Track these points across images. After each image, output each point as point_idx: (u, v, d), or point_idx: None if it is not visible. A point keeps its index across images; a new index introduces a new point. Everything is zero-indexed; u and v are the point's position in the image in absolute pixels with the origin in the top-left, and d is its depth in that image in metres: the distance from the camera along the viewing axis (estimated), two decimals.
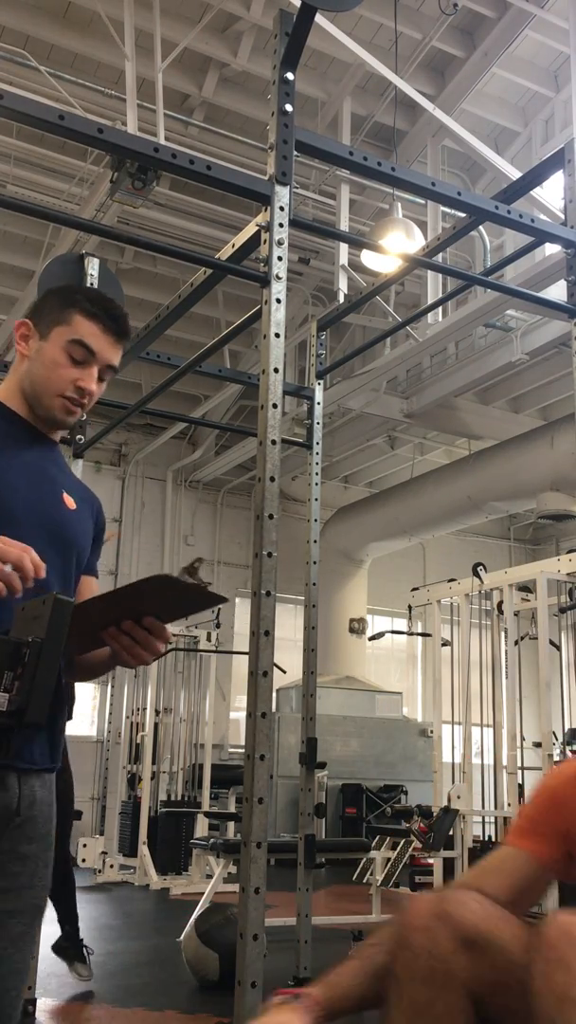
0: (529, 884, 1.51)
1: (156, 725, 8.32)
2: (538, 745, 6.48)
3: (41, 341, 1.56)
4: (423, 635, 9.43)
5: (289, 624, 10.19)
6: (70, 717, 1.60)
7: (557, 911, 1.32)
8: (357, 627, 11.56)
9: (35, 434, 1.59)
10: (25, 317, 1.61)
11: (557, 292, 5.87)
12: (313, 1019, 1.33)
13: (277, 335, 2.50)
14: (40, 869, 1.46)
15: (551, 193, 5.97)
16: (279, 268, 2.54)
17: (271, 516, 2.40)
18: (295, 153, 2.66)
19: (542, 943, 1.27)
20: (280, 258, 2.55)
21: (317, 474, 4.27)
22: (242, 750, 2.30)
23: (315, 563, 4.13)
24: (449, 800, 6.02)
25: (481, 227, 6.51)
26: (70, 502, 1.59)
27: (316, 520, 4.21)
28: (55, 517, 1.54)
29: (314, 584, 4.11)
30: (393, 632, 9.96)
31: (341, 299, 7.08)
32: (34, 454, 1.57)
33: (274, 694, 2.77)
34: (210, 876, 5.56)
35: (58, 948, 4.16)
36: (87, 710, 10.72)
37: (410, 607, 7.97)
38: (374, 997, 1.39)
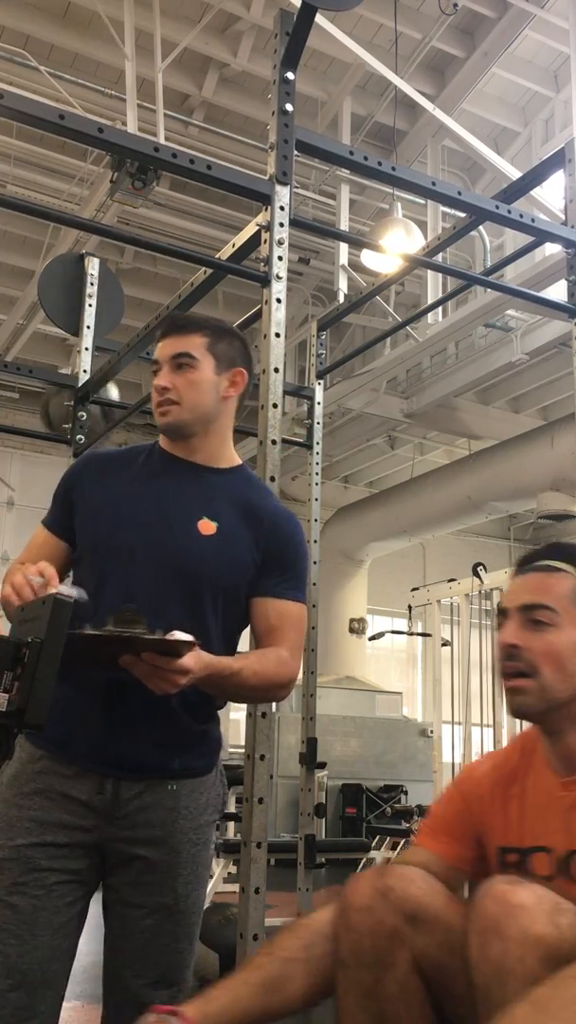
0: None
1: None
2: None
3: None
4: (423, 635, 9.43)
5: None
6: (201, 723, 1.63)
7: (490, 879, 1.26)
8: (357, 627, 11.55)
9: (174, 465, 1.69)
10: None
11: (557, 292, 5.87)
12: None
13: (277, 335, 2.50)
14: (163, 869, 1.54)
15: (551, 193, 5.97)
16: (279, 268, 2.54)
17: None
18: (295, 153, 2.65)
19: (475, 913, 1.22)
20: (280, 258, 2.54)
21: (317, 474, 4.27)
22: (242, 750, 2.30)
23: (315, 563, 4.12)
24: None
25: (481, 227, 6.51)
26: (206, 527, 1.62)
27: (316, 520, 4.21)
28: (172, 544, 1.60)
29: (314, 584, 4.11)
30: (393, 632, 9.95)
31: (341, 299, 7.08)
32: (167, 485, 1.66)
33: None
34: (210, 876, 5.55)
35: None
36: None
37: (410, 607, 7.97)
38: (262, 1012, 1.31)
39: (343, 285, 7.30)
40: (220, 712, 1.69)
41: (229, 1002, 1.30)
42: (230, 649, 1.66)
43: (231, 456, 1.75)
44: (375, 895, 1.30)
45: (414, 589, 7.79)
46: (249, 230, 2.70)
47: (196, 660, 1.43)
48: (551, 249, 5.85)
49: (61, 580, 1.70)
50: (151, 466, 1.71)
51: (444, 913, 1.29)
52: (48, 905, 1.50)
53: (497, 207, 3.10)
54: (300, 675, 4.18)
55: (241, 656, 1.59)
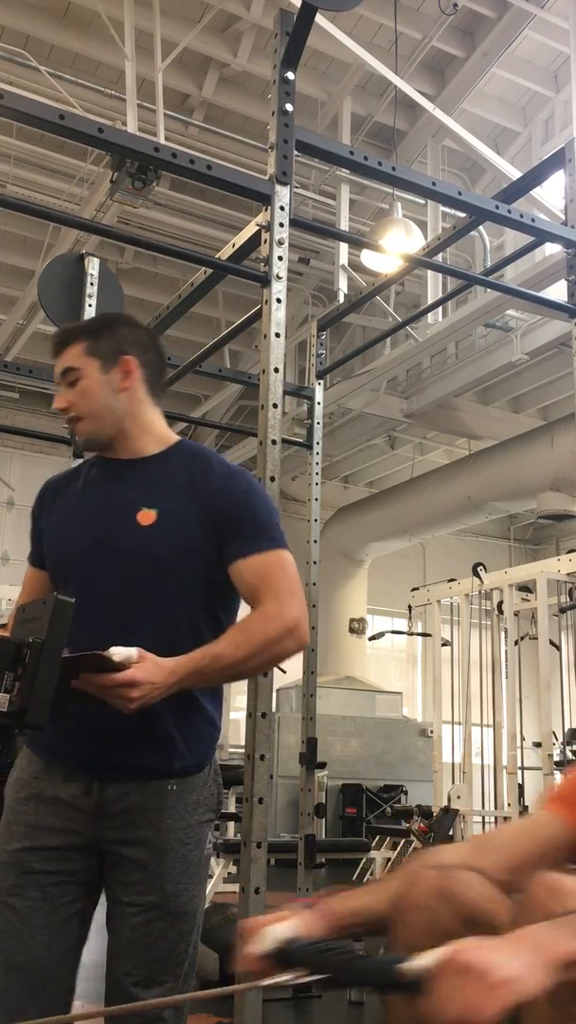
0: (556, 850, 1.48)
1: None
2: (538, 745, 6.48)
3: None
4: (423, 635, 9.43)
5: None
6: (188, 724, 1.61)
7: (540, 872, 1.30)
8: (357, 627, 11.55)
9: (104, 467, 1.71)
10: None
11: (557, 292, 5.87)
12: (325, 924, 1.29)
13: (277, 335, 2.50)
14: (151, 869, 1.54)
15: (551, 193, 5.97)
16: (279, 268, 2.54)
17: None
18: (295, 153, 2.66)
19: (527, 900, 1.25)
20: (280, 258, 2.55)
21: (317, 474, 4.27)
22: (242, 750, 2.30)
23: (315, 563, 4.13)
24: (449, 800, 6.03)
25: (481, 227, 6.51)
26: (146, 517, 1.60)
27: (316, 520, 4.21)
28: (112, 546, 1.60)
29: (314, 584, 4.11)
30: (393, 632, 9.96)
31: (341, 299, 7.08)
32: (105, 489, 1.68)
33: (274, 694, 2.76)
34: (210, 876, 5.56)
35: None
36: None
37: (410, 607, 7.97)
38: (385, 920, 1.37)
39: (343, 285, 7.30)
40: (219, 712, 1.68)
41: (363, 904, 1.36)
42: (220, 631, 1.63)
43: (162, 437, 1.72)
44: (434, 894, 1.32)
45: (414, 589, 7.79)
46: (249, 230, 2.71)
47: (148, 671, 1.42)
48: (551, 249, 5.85)
49: None
50: (91, 477, 1.73)
51: (499, 919, 1.32)
52: (44, 906, 1.54)
53: (497, 207, 3.10)
54: (300, 675, 4.18)
55: (220, 638, 1.55)
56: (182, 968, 1.56)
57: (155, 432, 1.71)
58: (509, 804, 6.16)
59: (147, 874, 1.54)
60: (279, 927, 1.20)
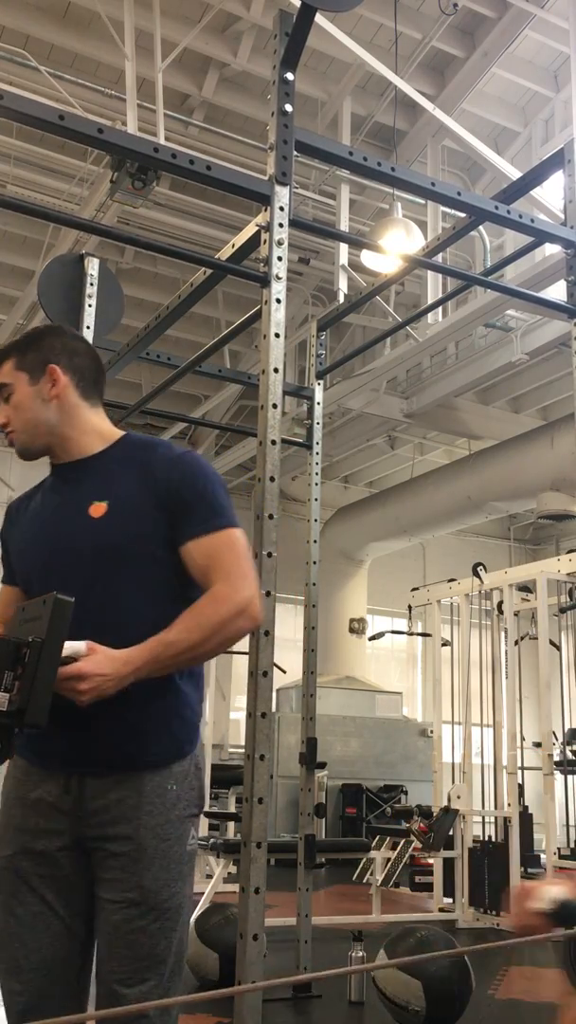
0: None
1: None
2: (538, 745, 6.48)
3: None
4: (423, 635, 9.43)
5: (289, 624, 10.19)
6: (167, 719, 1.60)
7: None
8: (357, 627, 11.56)
9: (57, 473, 1.77)
10: None
11: (557, 292, 5.88)
12: None
13: (277, 335, 2.50)
14: (130, 865, 1.53)
15: (551, 193, 5.97)
16: (279, 268, 2.54)
17: (271, 516, 2.40)
18: (295, 153, 2.66)
19: None
20: (280, 258, 2.55)
21: (317, 474, 4.27)
22: (242, 750, 2.31)
23: (315, 563, 4.13)
24: (449, 800, 6.03)
25: (481, 227, 6.51)
26: (97, 510, 1.63)
27: (316, 520, 4.22)
28: (67, 544, 1.64)
29: (314, 584, 4.11)
30: (393, 632, 9.96)
31: (341, 299, 7.09)
32: (60, 493, 1.73)
33: (274, 694, 2.77)
34: (210, 876, 5.56)
35: None
36: None
37: (410, 607, 7.97)
38: None
39: (343, 285, 7.30)
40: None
41: None
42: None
43: (105, 434, 1.75)
44: None
45: (414, 589, 7.79)
46: (249, 230, 2.71)
47: (97, 663, 1.44)
48: (551, 249, 5.85)
49: None
50: (47, 486, 1.79)
51: None
52: (44, 910, 1.55)
53: (497, 207, 3.10)
54: (300, 675, 4.18)
55: (174, 624, 1.55)
56: (165, 966, 1.53)
57: (97, 431, 1.75)
58: (509, 804, 6.15)
59: (126, 871, 1.53)
60: (553, 889, 1.30)
